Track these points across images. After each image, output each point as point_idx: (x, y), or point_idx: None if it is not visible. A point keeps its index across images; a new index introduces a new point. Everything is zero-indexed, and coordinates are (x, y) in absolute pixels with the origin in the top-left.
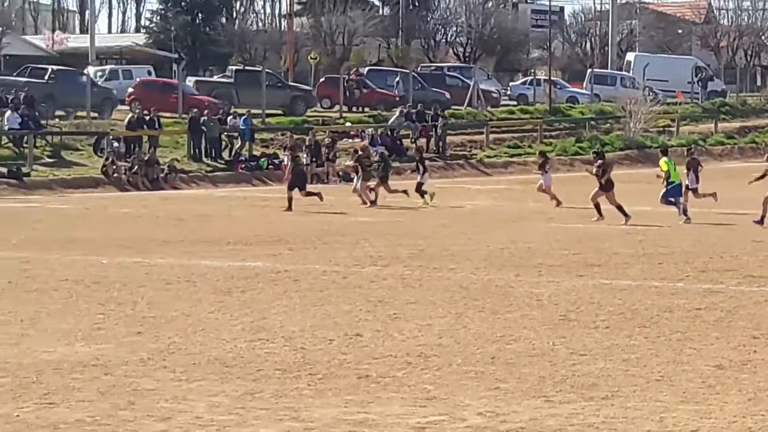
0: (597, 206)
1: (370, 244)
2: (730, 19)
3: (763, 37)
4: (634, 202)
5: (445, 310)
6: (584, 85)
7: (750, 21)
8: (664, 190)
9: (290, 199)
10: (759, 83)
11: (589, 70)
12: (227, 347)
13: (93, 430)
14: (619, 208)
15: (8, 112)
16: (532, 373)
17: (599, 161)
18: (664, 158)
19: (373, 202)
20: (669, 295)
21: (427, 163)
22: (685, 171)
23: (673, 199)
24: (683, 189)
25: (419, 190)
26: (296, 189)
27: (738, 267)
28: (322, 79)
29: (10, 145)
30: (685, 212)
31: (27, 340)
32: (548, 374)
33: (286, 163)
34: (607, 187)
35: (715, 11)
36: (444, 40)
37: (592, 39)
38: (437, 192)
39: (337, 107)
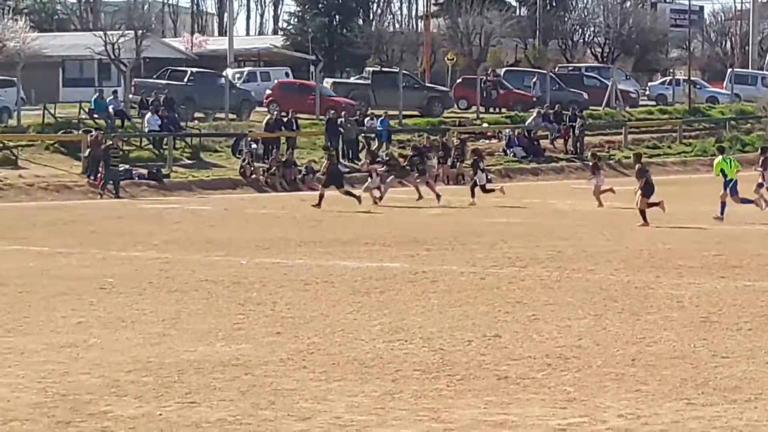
0: (642, 212)
1: (508, 245)
2: None
3: None
4: None
5: (584, 312)
6: (724, 84)
7: None
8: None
9: (321, 196)
10: None
11: (729, 70)
12: (366, 348)
13: (234, 429)
14: (642, 212)
15: (148, 115)
16: (673, 375)
17: (638, 166)
18: (720, 157)
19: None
20: None
21: (483, 164)
22: (760, 169)
23: (743, 198)
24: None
25: (485, 190)
26: (333, 186)
27: None
28: (458, 80)
29: (150, 146)
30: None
31: (168, 340)
32: (690, 376)
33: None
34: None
35: None
36: (581, 40)
37: (733, 38)
38: (579, 192)
39: (473, 108)
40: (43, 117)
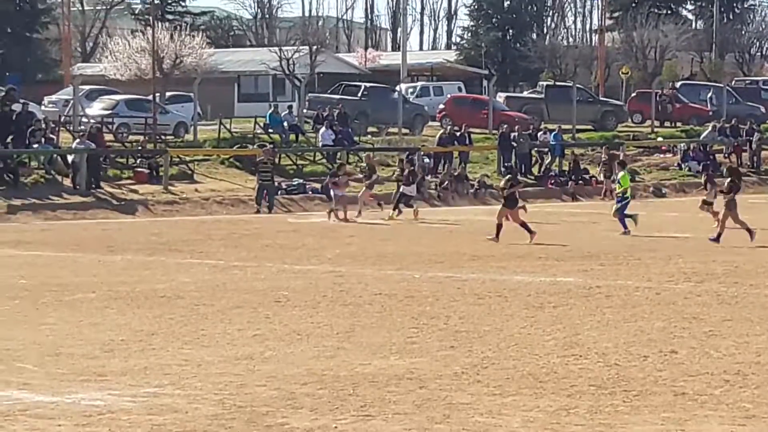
0: (523, 225)
1: (683, 259)
2: None
3: None
4: None
5: (762, 328)
6: None
7: None
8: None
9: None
10: None
11: None
12: (540, 362)
13: None
14: (523, 225)
15: (322, 129)
16: None
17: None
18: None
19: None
20: None
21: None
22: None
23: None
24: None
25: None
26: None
27: None
28: (633, 94)
29: (324, 161)
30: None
31: (343, 353)
32: None
33: (599, 179)
34: (510, 204)
35: None
36: (759, 54)
37: None
38: (755, 206)
39: (648, 122)
40: (218, 132)
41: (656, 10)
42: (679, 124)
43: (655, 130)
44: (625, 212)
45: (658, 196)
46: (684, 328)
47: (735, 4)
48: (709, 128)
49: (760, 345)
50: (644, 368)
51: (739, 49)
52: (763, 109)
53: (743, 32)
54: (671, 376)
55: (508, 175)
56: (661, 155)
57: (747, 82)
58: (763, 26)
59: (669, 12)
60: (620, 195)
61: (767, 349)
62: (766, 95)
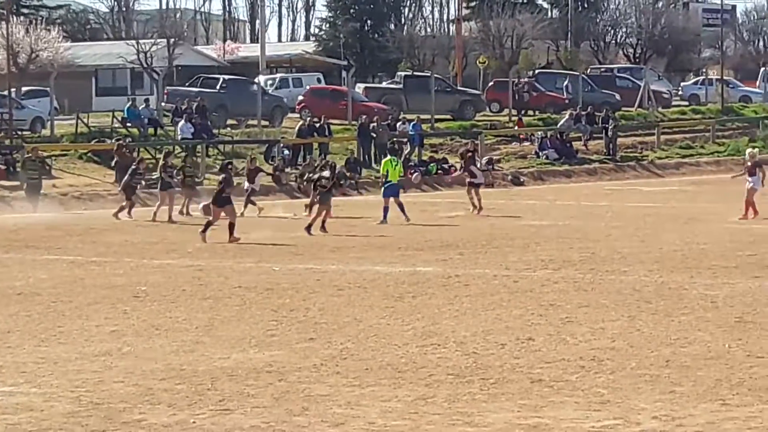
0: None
1: (541, 247)
2: None
3: None
4: None
5: (617, 314)
6: (757, 83)
7: None
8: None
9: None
10: None
11: (763, 69)
12: (399, 352)
13: None
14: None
15: (181, 122)
16: (708, 376)
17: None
18: (387, 158)
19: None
20: None
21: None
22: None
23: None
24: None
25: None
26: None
27: None
28: (490, 83)
29: (183, 154)
30: None
31: (202, 348)
32: (724, 377)
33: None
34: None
35: None
36: (614, 42)
37: (765, 37)
38: (612, 193)
39: (506, 111)
40: (76, 126)
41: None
42: (536, 112)
43: (513, 118)
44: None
45: (516, 184)
46: (541, 315)
47: None
48: (566, 116)
49: (615, 331)
50: (501, 356)
51: (594, 38)
52: (618, 97)
53: (598, 20)
54: (528, 363)
55: (327, 172)
56: (519, 144)
57: (602, 70)
58: (617, 14)
59: (525, 1)
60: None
61: (622, 334)
62: (621, 83)
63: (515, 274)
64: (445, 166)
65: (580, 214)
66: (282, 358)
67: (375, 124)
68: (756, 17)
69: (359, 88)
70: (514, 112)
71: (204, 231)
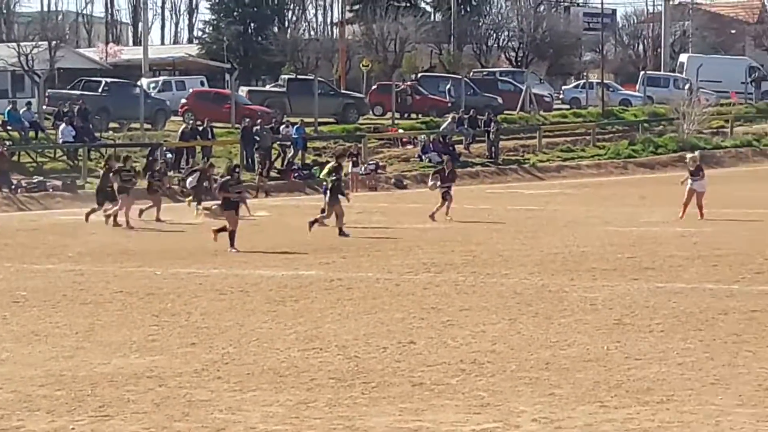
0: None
1: (423, 251)
2: None
3: None
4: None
5: (498, 316)
6: (637, 87)
7: None
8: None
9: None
10: None
11: (642, 73)
12: (281, 357)
13: None
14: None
15: (62, 125)
16: (586, 378)
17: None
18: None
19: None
20: (724, 297)
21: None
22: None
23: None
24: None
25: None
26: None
27: None
28: (374, 87)
29: (65, 158)
30: None
31: (82, 353)
32: (603, 379)
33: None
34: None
35: None
36: (496, 45)
37: (645, 41)
38: (494, 196)
39: (389, 114)
40: None
41: (395, 3)
42: (419, 115)
43: (396, 121)
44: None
45: (399, 187)
46: (422, 319)
47: None
48: (449, 119)
49: (495, 334)
50: (383, 360)
51: (476, 41)
52: (500, 100)
53: (480, 24)
54: (409, 366)
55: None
56: (403, 147)
57: (484, 73)
58: (499, 18)
59: (408, 4)
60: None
61: (503, 337)
62: (503, 86)
63: (397, 278)
64: None
65: (462, 216)
66: (163, 363)
67: (258, 127)
68: (636, 21)
69: (243, 91)
70: (397, 115)
71: (217, 232)
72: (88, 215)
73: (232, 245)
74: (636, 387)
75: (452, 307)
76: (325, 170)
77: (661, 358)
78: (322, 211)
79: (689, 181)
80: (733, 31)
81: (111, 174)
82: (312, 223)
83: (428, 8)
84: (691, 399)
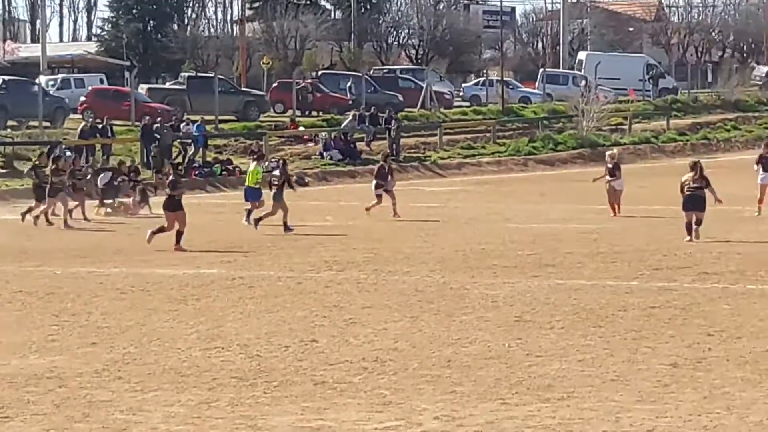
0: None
1: (325, 248)
2: (681, 17)
3: (713, 34)
4: (587, 200)
5: (400, 314)
6: (536, 84)
7: (700, 18)
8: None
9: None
10: (710, 80)
11: (541, 70)
12: (182, 356)
13: None
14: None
15: None
16: (488, 375)
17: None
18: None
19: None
20: (623, 293)
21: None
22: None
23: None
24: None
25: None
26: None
27: (691, 264)
28: (274, 84)
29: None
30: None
31: None
32: (504, 376)
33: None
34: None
35: (665, 9)
36: (396, 43)
37: (544, 39)
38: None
39: (290, 112)
40: None
41: (295, 1)
42: (320, 113)
43: (297, 119)
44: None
45: (301, 185)
46: (325, 317)
47: None
48: (350, 117)
49: (397, 331)
50: (285, 358)
51: (376, 39)
52: (401, 98)
53: (380, 22)
54: (311, 365)
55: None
56: (304, 145)
57: (385, 71)
58: (399, 16)
59: (308, 2)
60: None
61: (404, 335)
62: (404, 84)
63: (299, 276)
64: (230, 167)
65: (363, 214)
66: (63, 364)
67: (158, 125)
68: (535, 19)
69: (142, 89)
70: (298, 112)
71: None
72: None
73: (178, 243)
74: (537, 384)
75: (354, 305)
76: (251, 175)
77: (562, 355)
78: (249, 213)
79: (607, 178)
80: (630, 29)
81: (60, 172)
82: (257, 221)
83: (328, 6)
84: (591, 396)
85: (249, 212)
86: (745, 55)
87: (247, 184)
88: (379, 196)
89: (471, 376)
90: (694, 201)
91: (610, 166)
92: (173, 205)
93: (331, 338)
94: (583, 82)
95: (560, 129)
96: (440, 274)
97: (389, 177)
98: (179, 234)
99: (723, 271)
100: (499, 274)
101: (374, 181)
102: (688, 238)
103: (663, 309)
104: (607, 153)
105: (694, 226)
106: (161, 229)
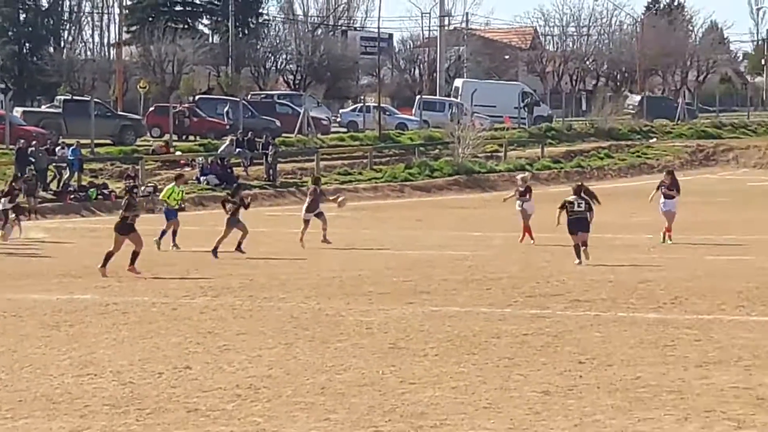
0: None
1: (200, 274)
2: (556, 45)
3: (587, 63)
4: (463, 227)
5: (275, 341)
6: (413, 111)
7: (575, 47)
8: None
9: None
10: (584, 108)
11: (418, 97)
12: (54, 383)
13: None
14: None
15: None
16: (361, 403)
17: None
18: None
19: None
20: (497, 321)
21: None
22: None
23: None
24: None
25: None
26: None
27: (564, 291)
28: (151, 108)
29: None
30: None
31: None
32: (377, 404)
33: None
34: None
35: (540, 37)
36: (274, 68)
37: (421, 65)
38: (272, 219)
39: (167, 136)
40: None
41: (173, 24)
42: (197, 137)
43: (174, 144)
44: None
45: (178, 209)
46: (199, 344)
47: (249, 19)
48: (227, 142)
49: (272, 358)
50: (158, 385)
51: (254, 63)
52: (278, 123)
53: (258, 47)
54: (185, 392)
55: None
56: (180, 169)
57: (262, 96)
58: (277, 41)
59: (186, 26)
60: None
61: (279, 362)
62: (281, 109)
63: (174, 302)
64: (105, 191)
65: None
66: None
67: (33, 148)
68: (412, 46)
69: (17, 111)
70: (175, 137)
71: (104, 264)
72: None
73: (132, 264)
74: (410, 411)
75: (229, 332)
76: (168, 194)
77: (435, 382)
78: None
79: (518, 202)
80: (506, 57)
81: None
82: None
83: (206, 30)
84: (464, 423)
85: (163, 233)
86: (618, 83)
87: (167, 205)
88: (306, 221)
89: (345, 404)
90: (579, 224)
91: (521, 189)
92: (126, 228)
93: (204, 365)
94: (452, 110)
95: (436, 156)
96: (316, 300)
97: (319, 202)
98: (135, 255)
99: (595, 299)
100: (375, 301)
101: (305, 208)
102: (578, 261)
103: (535, 336)
104: (519, 176)
105: (581, 248)
106: (109, 255)
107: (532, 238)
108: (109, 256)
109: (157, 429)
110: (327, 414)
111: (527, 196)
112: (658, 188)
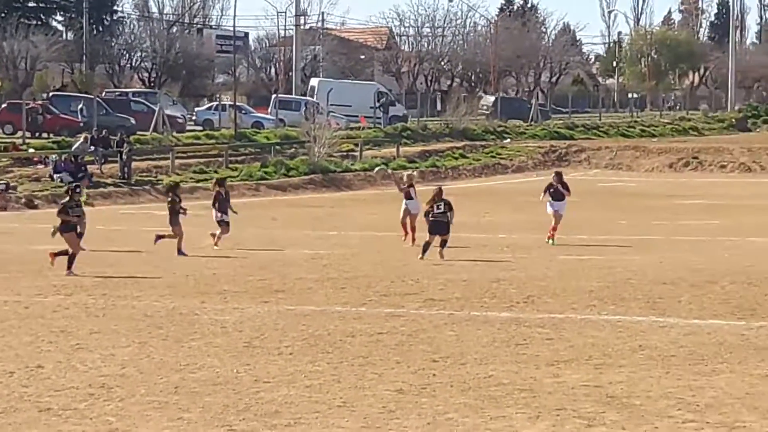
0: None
1: (54, 273)
2: (411, 46)
3: (442, 63)
4: (319, 226)
5: (128, 340)
6: (269, 110)
7: (430, 47)
8: None
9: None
10: (439, 108)
11: (274, 96)
12: None
13: None
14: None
15: None
16: (215, 402)
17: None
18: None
19: None
20: (352, 319)
21: None
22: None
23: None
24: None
25: None
26: None
27: (419, 291)
28: (3, 105)
29: None
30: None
31: None
32: (232, 402)
33: None
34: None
35: (396, 37)
36: (129, 65)
37: (277, 64)
38: (127, 217)
39: (20, 133)
40: None
41: (26, 21)
42: (51, 135)
43: (27, 141)
44: None
45: (30, 207)
46: (51, 342)
47: (104, 16)
48: (81, 139)
49: (125, 357)
50: (9, 384)
51: (109, 61)
52: (133, 120)
53: (113, 44)
54: (36, 391)
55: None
56: (33, 167)
57: (117, 93)
58: (132, 38)
59: (39, 23)
60: None
61: (132, 361)
62: (136, 107)
63: (26, 300)
64: None
65: (97, 238)
66: None
67: None
68: (268, 45)
69: None
70: (28, 134)
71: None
72: None
73: (69, 268)
74: (264, 410)
75: (82, 330)
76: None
77: (290, 381)
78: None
79: (405, 202)
80: (362, 57)
81: None
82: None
83: (60, 27)
84: (318, 422)
85: None
86: (473, 84)
87: None
88: (224, 224)
89: (198, 403)
90: (438, 226)
91: (405, 188)
92: (68, 228)
93: (57, 364)
94: (303, 108)
95: (292, 155)
96: (170, 299)
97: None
98: (72, 257)
99: (449, 298)
100: (229, 300)
101: (215, 210)
102: (421, 256)
103: (390, 335)
104: (405, 174)
105: (438, 248)
106: (71, 255)
107: (414, 240)
108: (72, 258)
109: (8, 429)
110: (181, 413)
111: (413, 197)
112: (546, 190)
